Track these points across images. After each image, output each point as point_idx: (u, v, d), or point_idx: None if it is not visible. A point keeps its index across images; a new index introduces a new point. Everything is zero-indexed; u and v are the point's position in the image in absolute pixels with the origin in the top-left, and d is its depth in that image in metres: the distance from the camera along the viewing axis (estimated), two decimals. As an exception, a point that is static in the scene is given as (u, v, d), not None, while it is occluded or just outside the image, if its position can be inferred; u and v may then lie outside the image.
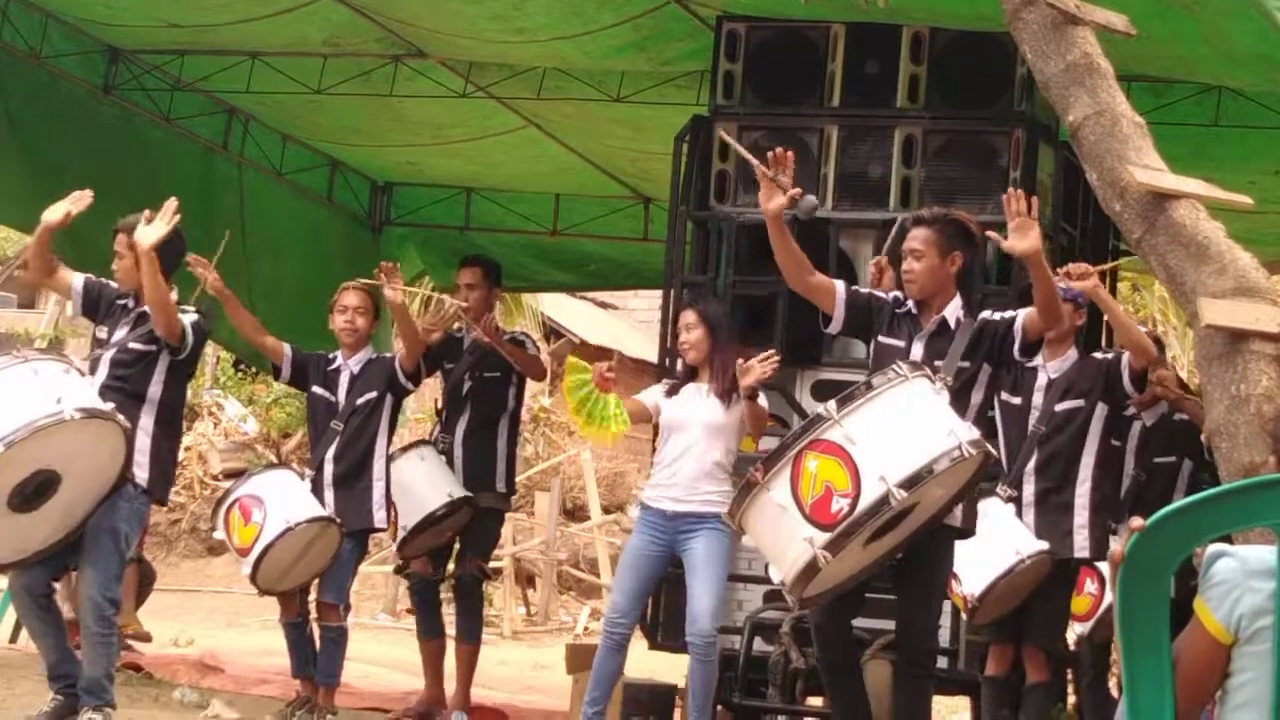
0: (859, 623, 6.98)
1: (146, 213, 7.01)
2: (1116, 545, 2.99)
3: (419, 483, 8.36)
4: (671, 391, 7.32)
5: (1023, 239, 5.97)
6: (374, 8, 9.30)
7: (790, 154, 6.01)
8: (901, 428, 5.60)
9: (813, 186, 8.53)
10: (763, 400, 7.20)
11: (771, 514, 5.56)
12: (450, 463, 8.56)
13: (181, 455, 19.89)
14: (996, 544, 6.91)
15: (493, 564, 18.12)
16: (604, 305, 25.61)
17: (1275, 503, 2.97)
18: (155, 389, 7.11)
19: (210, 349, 18.20)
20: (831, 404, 5.58)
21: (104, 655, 6.94)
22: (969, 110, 8.41)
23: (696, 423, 7.15)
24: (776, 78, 8.61)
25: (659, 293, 9.40)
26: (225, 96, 11.17)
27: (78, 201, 7.03)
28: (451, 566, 8.88)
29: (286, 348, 8.20)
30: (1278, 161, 9.53)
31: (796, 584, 5.57)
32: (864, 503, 5.43)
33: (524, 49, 9.47)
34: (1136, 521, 2.97)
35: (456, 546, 8.72)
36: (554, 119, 10.81)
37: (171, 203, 7.01)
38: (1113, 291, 10.38)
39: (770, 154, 6.00)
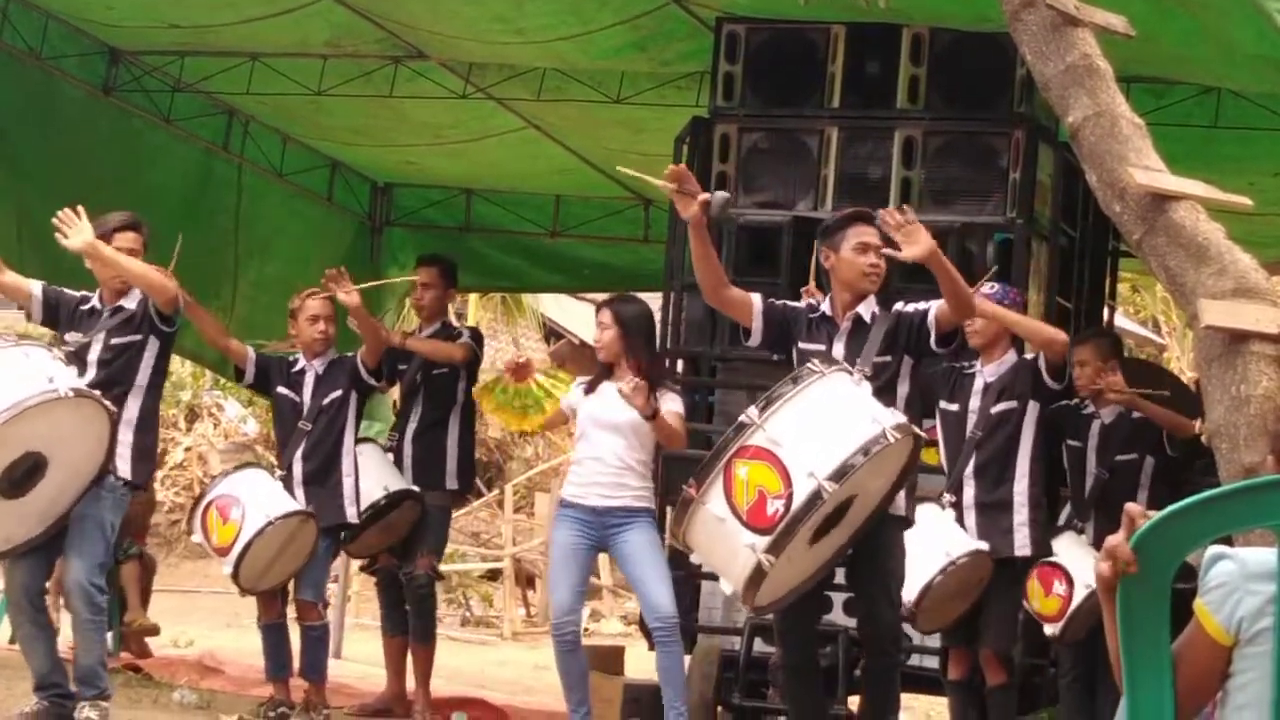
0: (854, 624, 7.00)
1: (59, 216, 6.95)
2: (1114, 538, 2.98)
3: (361, 478, 8.35)
4: (590, 389, 7.38)
5: (914, 244, 6.04)
6: (374, 9, 9.30)
7: (683, 168, 6.09)
8: (824, 422, 5.65)
9: (812, 188, 8.56)
10: (669, 407, 7.19)
11: (711, 527, 5.61)
12: (399, 461, 8.59)
13: (181, 456, 20.01)
14: (926, 548, 6.94)
15: (493, 565, 18.26)
16: (604, 306, 25.57)
17: (1275, 504, 2.97)
18: (143, 376, 7.11)
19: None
20: (753, 409, 5.64)
21: (96, 643, 6.94)
22: (969, 111, 8.42)
23: (616, 420, 7.21)
24: (776, 79, 8.62)
25: (658, 294, 9.39)
26: (225, 98, 11.17)
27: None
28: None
29: (250, 350, 8.28)
30: (1278, 163, 9.53)
31: (747, 592, 5.62)
32: (798, 501, 5.47)
33: (524, 50, 9.48)
34: (1135, 508, 2.96)
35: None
36: (554, 120, 10.82)
37: (65, 213, 6.94)
38: (1113, 293, 10.41)
39: (669, 170, 6.08)
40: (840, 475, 5.50)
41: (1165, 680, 2.96)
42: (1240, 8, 6.42)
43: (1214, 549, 2.98)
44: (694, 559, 6.82)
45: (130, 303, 7.15)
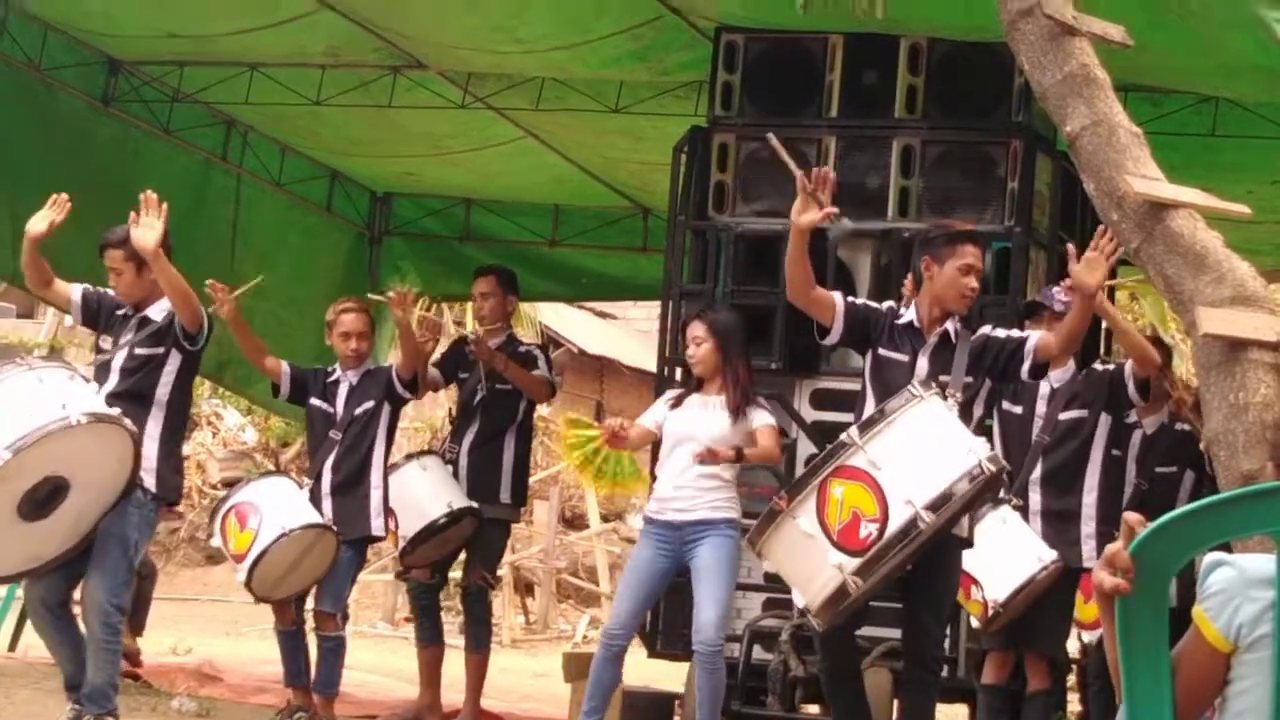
0: (859, 631, 7.01)
1: (132, 215, 6.97)
2: (1112, 546, 2.99)
3: (420, 493, 8.38)
4: (676, 403, 7.28)
5: (1092, 273, 6.06)
6: (373, 19, 9.31)
7: (834, 176, 6.05)
8: (923, 449, 5.64)
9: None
10: (762, 421, 7.13)
11: (797, 542, 5.59)
12: (455, 473, 8.59)
13: (180, 465, 19.98)
14: (1019, 551, 6.93)
15: (492, 573, 18.25)
16: (603, 315, 25.61)
17: (1274, 511, 2.98)
18: (163, 391, 7.11)
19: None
20: (854, 430, 5.63)
21: (109, 663, 6.94)
22: (967, 121, 8.43)
23: (704, 437, 7.06)
24: (775, 88, 8.63)
25: (658, 302, 9.42)
26: (224, 108, 11.17)
27: (59, 209, 6.99)
28: (456, 576, 8.89)
29: (285, 365, 8.24)
30: (1275, 171, 9.54)
31: (824, 609, 5.60)
32: (893, 527, 5.47)
33: (523, 59, 9.49)
34: (1133, 516, 2.97)
35: (463, 556, 8.76)
36: (552, 130, 10.83)
37: (152, 196, 6.96)
38: (1111, 298, 10.41)
39: (816, 170, 6.04)
40: (938, 505, 5.50)
41: (1164, 687, 2.96)
42: (1238, 17, 6.43)
43: (1212, 555, 2.99)
44: (767, 567, 6.76)
45: (156, 314, 7.16)
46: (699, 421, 7.13)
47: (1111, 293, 9.22)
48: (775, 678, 7.59)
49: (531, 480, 19.96)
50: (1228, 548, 3.11)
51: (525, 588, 18.16)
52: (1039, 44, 5.37)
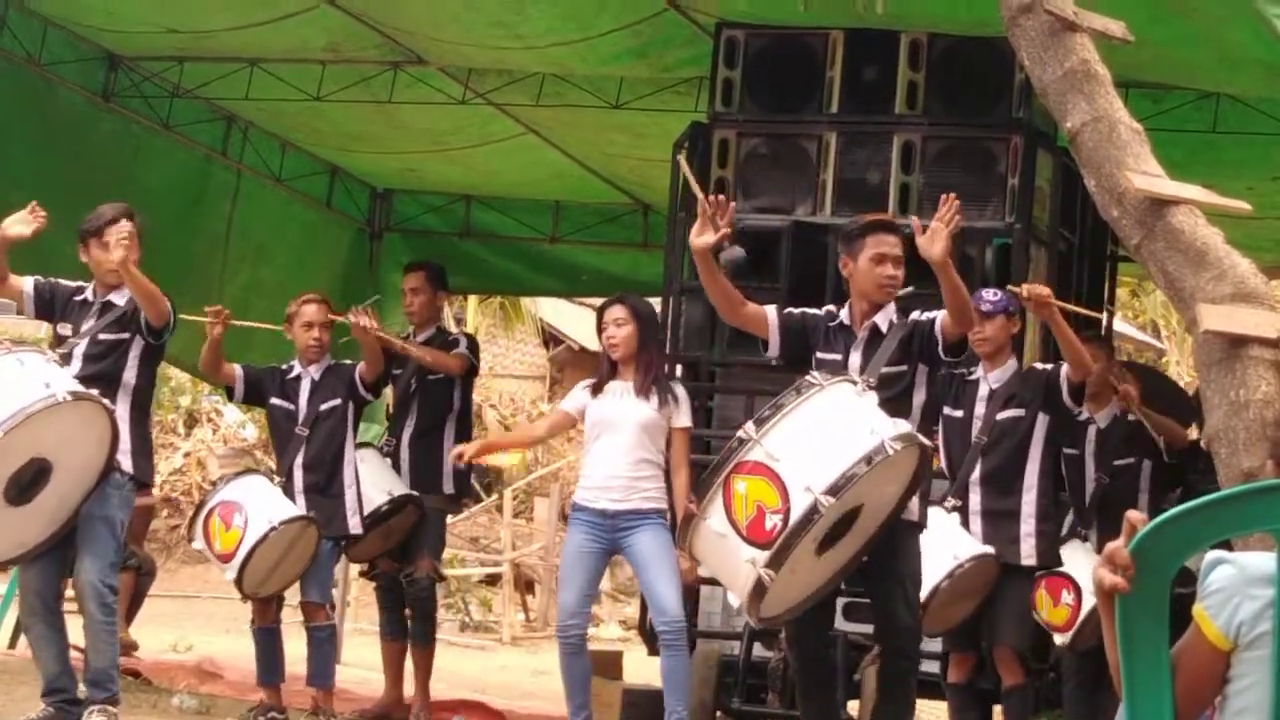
0: (858, 628, 7.00)
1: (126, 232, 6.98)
2: (1113, 544, 2.98)
3: (362, 483, 8.38)
4: (596, 390, 7.33)
5: (934, 244, 5.97)
6: (373, 15, 9.31)
7: (732, 205, 6.14)
8: (822, 436, 5.63)
9: (811, 193, 8.57)
10: (681, 422, 7.23)
11: (714, 542, 5.63)
12: (396, 466, 8.61)
13: (181, 461, 20.02)
14: (934, 551, 6.95)
15: (492, 570, 18.27)
16: (603, 311, 25.61)
17: (1275, 508, 2.97)
18: (129, 375, 7.09)
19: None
20: (750, 425, 5.64)
21: (109, 644, 6.94)
22: (967, 117, 8.44)
23: (629, 422, 7.20)
24: (775, 84, 8.63)
25: (658, 299, 9.40)
26: (224, 104, 11.17)
27: (38, 218, 6.98)
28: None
29: (237, 369, 8.27)
30: (1276, 167, 9.54)
31: (750, 605, 5.64)
32: (795, 515, 5.47)
33: (523, 55, 9.49)
34: (1135, 514, 2.96)
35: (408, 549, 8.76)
36: (553, 126, 10.83)
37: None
38: (1112, 297, 10.42)
39: (713, 197, 6.10)
40: (837, 489, 5.49)
41: (1164, 685, 2.96)
42: (1238, 13, 6.43)
43: (1213, 554, 2.98)
44: (702, 571, 6.85)
45: (119, 299, 7.15)
46: (624, 408, 7.23)
47: (1110, 284, 9.26)
48: (775, 675, 7.59)
49: (532, 477, 20.07)
50: (1229, 545, 3.09)
51: (525, 585, 18.18)
52: (1040, 40, 5.36)
